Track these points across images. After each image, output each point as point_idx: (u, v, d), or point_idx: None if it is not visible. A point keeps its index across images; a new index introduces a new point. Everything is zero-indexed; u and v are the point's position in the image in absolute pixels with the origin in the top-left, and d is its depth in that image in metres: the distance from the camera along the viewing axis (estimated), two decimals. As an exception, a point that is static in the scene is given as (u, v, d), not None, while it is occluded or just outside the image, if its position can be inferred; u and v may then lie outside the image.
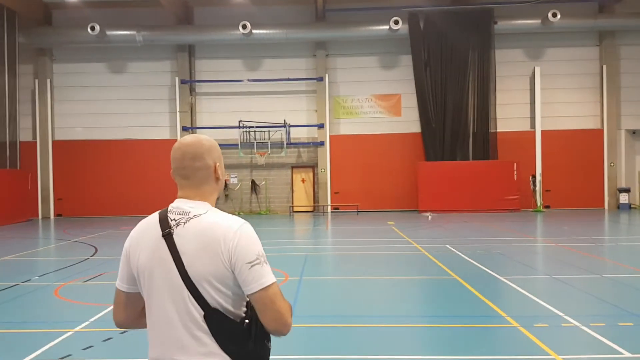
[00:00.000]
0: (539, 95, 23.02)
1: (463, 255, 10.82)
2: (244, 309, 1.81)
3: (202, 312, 1.74)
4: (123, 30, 22.43)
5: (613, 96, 23.01)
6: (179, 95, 23.52)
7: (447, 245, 12.27)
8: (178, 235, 1.78)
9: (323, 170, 23.66)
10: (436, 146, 22.73)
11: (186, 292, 1.74)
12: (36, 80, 23.56)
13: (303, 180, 24.23)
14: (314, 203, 24.12)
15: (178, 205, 1.86)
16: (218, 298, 1.75)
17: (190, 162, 1.88)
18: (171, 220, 1.82)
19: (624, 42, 23.17)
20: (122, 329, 2.03)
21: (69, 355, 5.17)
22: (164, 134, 23.79)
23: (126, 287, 1.91)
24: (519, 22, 22.52)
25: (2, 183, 20.06)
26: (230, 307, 1.77)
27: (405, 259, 10.91)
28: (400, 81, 23.54)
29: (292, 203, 24.06)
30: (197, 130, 24.01)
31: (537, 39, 23.23)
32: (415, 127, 23.25)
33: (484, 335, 5.73)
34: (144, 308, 1.91)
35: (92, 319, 6.35)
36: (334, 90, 23.81)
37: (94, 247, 13.32)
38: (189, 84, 23.82)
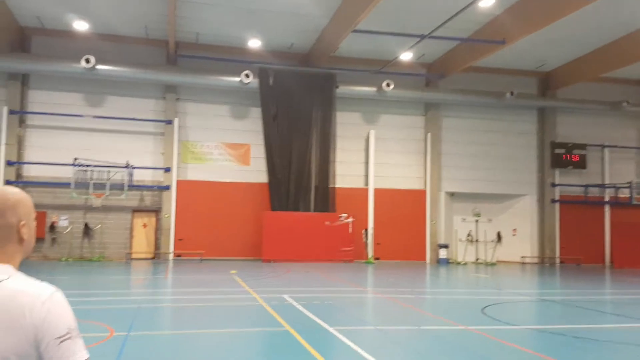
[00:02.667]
0: (373, 156, 25.18)
1: (298, 306, 11.22)
2: None
3: None
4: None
5: (435, 161, 26.00)
6: (5, 126, 21.40)
7: (284, 295, 12.62)
8: None
9: (167, 215, 22.97)
10: (281, 196, 23.52)
11: None
12: None
13: (145, 225, 23.23)
14: (155, 250, 23.18)
15: None
16: None
17: None
18: None
19: (446, 113, 26.51)
20: None
21: None
22: (-16, 168, 21.33)
23: None
24: (358, 88, 24.68)
25: None
26: None
27: (242, 310, 11.01)
28: (250, 132, 24.14)
29: (131, 249, 22.84)
30: (25, 165, 21.95)
31: (373, 105, 25.58)
32: (262, 177, 23.84)
33: None
34: None
35: None
36: (183, 135, 23.56)
37: None
38: (19, 114, 21.86)
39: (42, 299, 1.53)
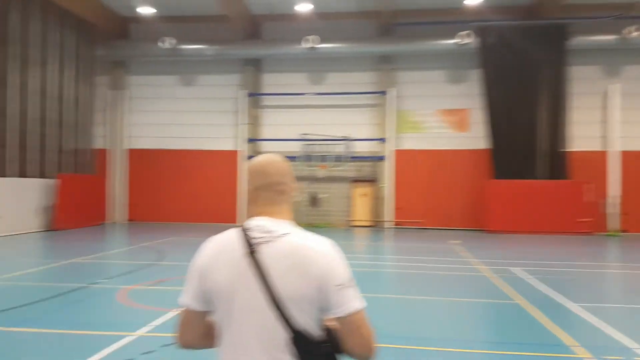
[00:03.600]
0: (618, 115, 21.80)
1: (530, 279, 10.32)
2: (323, 332, 1.76)
3: (288, 334, 1.69)
4: (194, 44, 23.30)
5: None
6: (244, 108, 24.09)
7: (512, 268, 11.75)
8: (263, 254, 1.74)
9: (384, 185, 23.42)
10: (505, 163, 21.90)
11: (272, 313, 1.70)
12: (112, 91, 24.85)
13: (364, 195, 24.08)
14: (374, 218, 23.89)
15: (259, 224, 1.82)
16: (305, 320, 1.71)
17: (281, 178, 1.89)
18: (254, 238, 1.78)
19: None
20: (187, 349, 1.90)
21: (130, 359, 5.31)
22: (228, 146, 24.39)
23: (199, 307, 1.83)
24: (595, 38, 21.46)
25: (78, 187, 21.18)
26: (314, 330, 1.73)
27: (467, 281, 10.55)
28: (468, 96, 23.00)
29: (352, 217, 23.93)
30: (261, 142, 24.46)
31: (615, 56, 22.05)
32: (483, 143, 22.55)
33: None
34: (209, 328, 1.87)
35: (154, 324, 6.49)
36: (398, 104, 23.59)
37: (160, 252, 13.77)
38: (255, 97, 24.35)
39: (323, 251, 1.75)
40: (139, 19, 24.26)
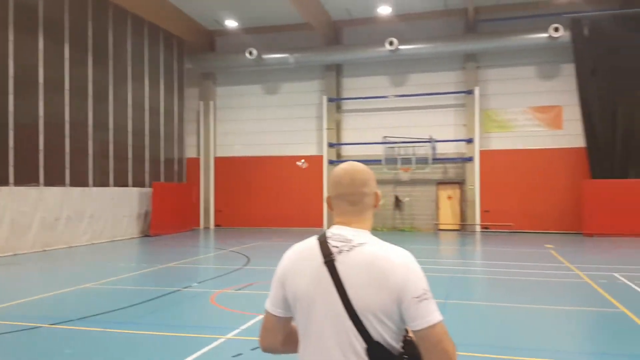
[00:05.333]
0: None
1: (634, 286, 9.51)
2: (402, 344, 1.74)
3: (365, 345, 1.68)
4: (277, 54, 23.84)
5: None
6: (326, 113, 24.27)
7: (616, 274, 10.89)
8: (341, 263, 1.73)
9: (472, 186, 22.64)
10: (604, 162, 20.44)
11: (349, 323, 1.69)
12: (201, 102, 25.99)
13: (449, 197, 23.42)
14: (461, 221, 23.15)
15: (338, 232, 1.82)
16: (382, 331, 1.68)
17: (359, 188, 1.86)
18: (332, 247, 1.77)
19: None
20: (268, 352, 1.97)
21: (220, 361, 5.45)
22: (311, 150, 24.67)
23: (280, 312, 1.87)
24: None
25: (170, 195, 22.32)
26: (392, 342, 1.70)
27: (565, 287, 9.91)
28: (561, 92, 21.74)
29: (437, 220, 23.35)
30: (343, 146, 24.52)
31: None
32: (578, 141, 21.18)
33: None
34: (291, 333, 1.90)
35: (243, 327, 6.65)
36: (484, 103, 22.75)
37: (247, 256, 14.15)
38: (336, 101, 24.47)
39: (402, 263, 1.71)
40: (224, 32, 25.24)
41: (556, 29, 20.30)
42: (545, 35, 20.65)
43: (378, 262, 1.70)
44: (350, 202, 1.86)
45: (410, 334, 1.74)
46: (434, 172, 23.18)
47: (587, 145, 20.74)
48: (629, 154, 20.21)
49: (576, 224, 20.78)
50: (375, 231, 1.77)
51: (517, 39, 21.38)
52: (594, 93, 20.50)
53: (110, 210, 19.00)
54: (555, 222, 21.58)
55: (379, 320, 1.67)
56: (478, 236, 21.09)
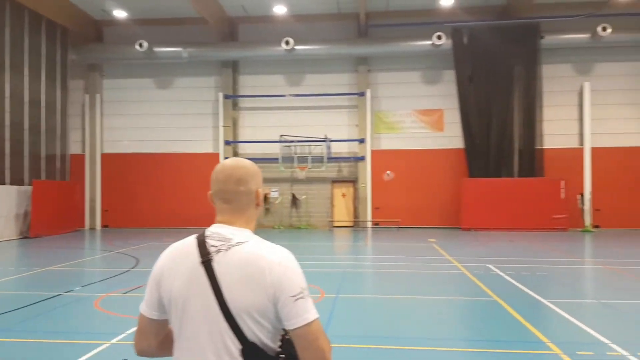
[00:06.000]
0: (589, 111, 22.26)
1: (505, 276, 10.47)
2: (279, 343, 1.73)
3: (240, 346, 1.66)
4: (170, 47, 23.11)
5: (669, 112, 21.98)
6: (222, 110, 23.95)
7: (489, 265, 11.91)
8: (218, 263, 1.70)
9: (364, 185, 23.52)
10: (480, 162, 22.27)
11: (224, 324, 1.66)
12: (86, 95, 24.50)
13: (343, 195, 24.16)
14: (354, 218, 23.98)
15: (217, 231, 1.78)
16: (257, 332, 1.68)
17: (234, 186, 1.82)
18: (210, 246, 1.74)
19: (681, 55, 22.15)
20: (143, 356, 1.87)
21: (104, 367, 5.24)
22: (207, 148, 24.25)
23: (155, 315, 1.81)
24: (567, 36, 21.92)
25: (52, 194, 20.83)
26: (268, 342, 1.70)
27: (445, 278, 10.65)
28: (443, 96, 23.26)
29: (332, 218, 23.99)
30: (239, 144, 24.35)
31: (586, 54, 22.52)
32: (458, 142, 22.86)
33: None
34: (167, 336, 1.85)
35: (129, 332, 6.42)
36: (375, 105, 23.73)
37: (136, 258, 13.61)
38: (232, 99, 24.24)
39: (279, 261, 1.70)
40: (112, 22, 24.01)
41: (439, 37, 21.70)
42: (429, 42, 21.97)
43: (255, 261, 1.68)
44: (224, 200, 1.82)
45: (285, 334, 1.74)
46: (329, 170, 23.77)
47: (465, 147, 22.44)
48: (501, 155, 22.20)
49: (455, 219, 22.40)
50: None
51: (404, 45, 22.56)
52: (471, 98, 22.26)
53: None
54: (437, 217, 23.10)
55: (254, 321, 1.66)
56: (369, 232, 21.98)
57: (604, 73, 22.58)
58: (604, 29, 20.78)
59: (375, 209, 23.54)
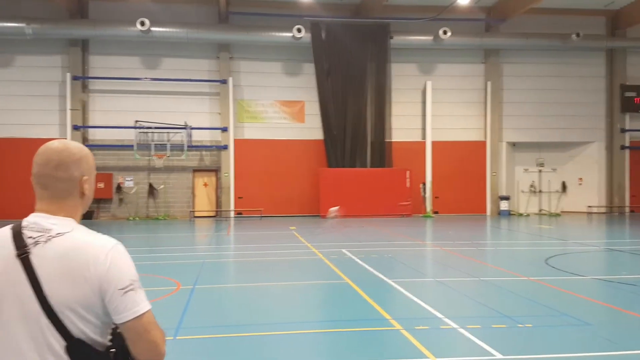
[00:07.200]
0: (430, 108, 24.51)
1: (357, 259, 11.29)
2: (109, 337, 1.64)
3: (64, 343, 1.54)
4: (11, 22, 20.88)
5: (496, 111, 25.03)
6: (70, 92, 22.23)
7: (343, 250, 12.72)
8: (36, 256, 1.56)
9: (226, 174, 23.47)
10: (337, 153, 23.45)
11: (45, 321, 1.54)
12: None
13: (205, 185, 23.88)
14: (217, 208, 23.86)
15: (36, 221, 1.63)
16: (83, 327, 1.56)
17: (52, 170, 1.65)
18: (27, 237, 1.59)
19: (507, 59, 25.27)
20: None
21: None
22: (53, 133, 22.35)
23: None
24: (413, 37, 23.86)
25: None
26: (96, 337, 1.59)
27: (303, 264, 11.21)
28: (304, 88, 23.97)
29: (193, 208, 23.62)
30: (90, 129, 22.87)
31: (429, 55, 24.70)
32: (318, 133, 23.78)
33: (369, 339, 5.96)
34: None
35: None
36: (238, 94, 23.72)
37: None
38: (82, 80, 22.62)
39: (105, 251, 1.58)
40: None
41: (299, 30, 22.31)
42: (290, 34, 22.50)
43: (78, 252, 1.57)
44: (42, 186, 1.67)
45: (115, 328, 1.66)
46: (190, 159, 23.32)
47: (324, 138, 23.47)
48: (356, 147, 23.61)
49: (315, 207, 23.38)
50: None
51: (266, 35, 22.85)
52: (329, 92, 23.31)
53: None
54: (298, 206, 23.91)
55: (79, 316, 1.55)
56: (232, 222, 22.06)
57: (444, 73, 24.98)
58: (445, 32, 22.95)
59: (238, 198, 23.64)
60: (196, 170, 23.73)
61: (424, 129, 24.86)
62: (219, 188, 23.80)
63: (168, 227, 19.71)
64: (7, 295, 1.57)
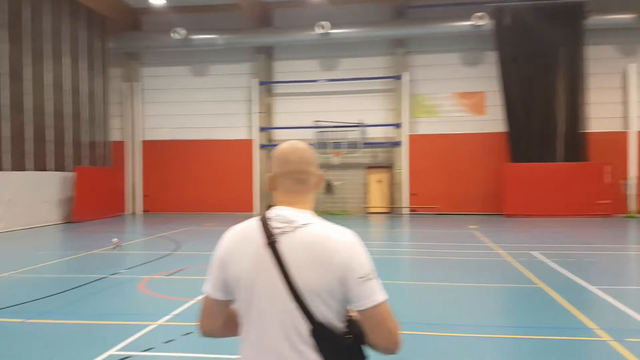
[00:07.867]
0: (635, 95, 21.37)
1: (550, 263, 10.21)
2: (346, 323, 1.74)
3: (309, 326, 1.67)
4: (205, 34, 23.24)
5: None
6: (257, 97, 24.01)
7: (532, 252, 11.63)
8: (284, 245, 1.71)
9: (400, 170, 23.27)
10: (522, 146, 21.61)
11: (292, 305, 1.67)
12: (126, 83, 24.92)
13: (379, 181, 23.97)
14: (390, 204, 23.79)
15: (280, 213, 1.78)
16: (325, 312, 1.68)
17: (307, 166, 1.84)
18: (274, 228, 1.74)
19: None
20: (208, 337, 1.90)
21: (152, 348, 5.34)
22: (241, 135, 24.39)
23: (221, 295, 1.82)
24: (612, 16, 21.02)
25: (95, 180, 21.37)
26: (335, 322, 1.71)
27: (487, 266, 10.45)
28: (484, 78, 22.66)
29: (367, 204, 23.86)
30: (274, 130, 24.41)
31: (632, 35, 21.57)
32: (500, 126, 22.25)
33: (571, 349, 5.35)
34: (231, 317, 1.87)
35: (174, 313, 6.52)
36: (412, 89, 23.34)
37: (176, 242, 13.85)
38: (267, 85, 24.27)
39: (346, 243, 1.70)
40: (150, 10, 24.24)
41: (480, 17, 21.11)
42: (469, 23, 21.41)
43: (322, 242, 1.69)
44: (298, 181, 1.82)
45: (353, 313, 1.74)
46: (364, 156, 23.61)
47: (507, 130, 21.85)
48: (544, 139, 21.50)
49: (497, 206, 21.91)
50: (340, 226, 1.76)
51: (443, 26, 22.05)
52: (514, 80, 21.58)
53: (28, 196, 17.95)
54: (478, 204, 22.64)
55: (323, 301, 1.67)
56: (406, 218, 21.77)
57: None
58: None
59: (412, 195, 23.26)
60: (369, 167, 23.91)
61: (625, 117, 21.79)
62: (392, 184, 23.68)
63: (345, 222, 19.92)
64: (260, 279, 1.72)
